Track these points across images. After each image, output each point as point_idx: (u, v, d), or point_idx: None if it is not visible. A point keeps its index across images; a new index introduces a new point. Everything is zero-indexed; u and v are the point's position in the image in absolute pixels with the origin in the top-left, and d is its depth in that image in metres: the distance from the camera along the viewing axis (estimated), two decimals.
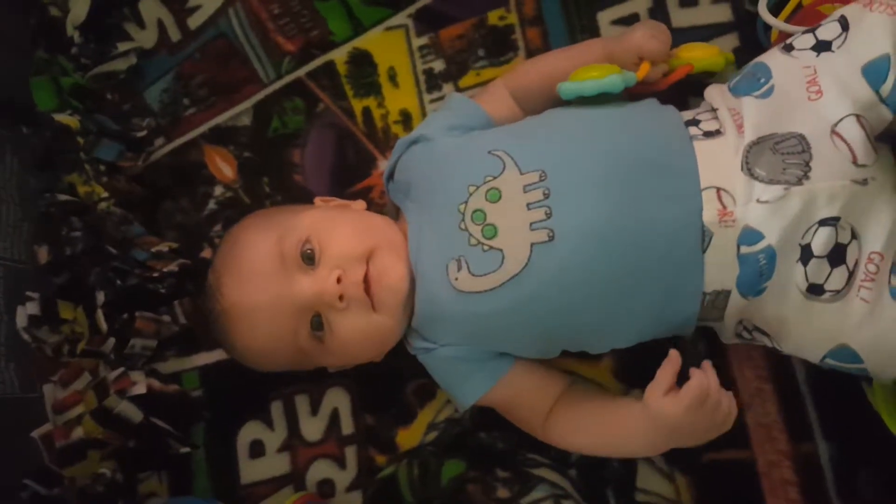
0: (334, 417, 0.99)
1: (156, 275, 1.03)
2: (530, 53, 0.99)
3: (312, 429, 1.00)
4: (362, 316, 0.81)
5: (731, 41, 0.93)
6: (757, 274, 0.71)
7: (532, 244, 0.75)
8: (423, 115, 1.02)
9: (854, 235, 0.69)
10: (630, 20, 0.96)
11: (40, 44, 1.15)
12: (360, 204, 0.94)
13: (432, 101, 1.02)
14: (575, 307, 0.76)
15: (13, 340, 1.04)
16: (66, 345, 1.04)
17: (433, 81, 1.03)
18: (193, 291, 1.05)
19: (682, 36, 0.91)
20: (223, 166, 1.09)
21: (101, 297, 1.03)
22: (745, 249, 0.71)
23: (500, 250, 0.76)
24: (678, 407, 0.72)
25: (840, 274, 0.69)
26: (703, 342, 0.87)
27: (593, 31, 0.97)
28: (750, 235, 0.71)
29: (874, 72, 0.69)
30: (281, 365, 0.89)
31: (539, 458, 0.92)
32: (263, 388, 1.01)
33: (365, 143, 1.04)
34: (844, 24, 0.73)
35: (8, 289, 1.05)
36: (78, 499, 0.99)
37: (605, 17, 0.97)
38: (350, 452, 0.98)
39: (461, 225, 0.78)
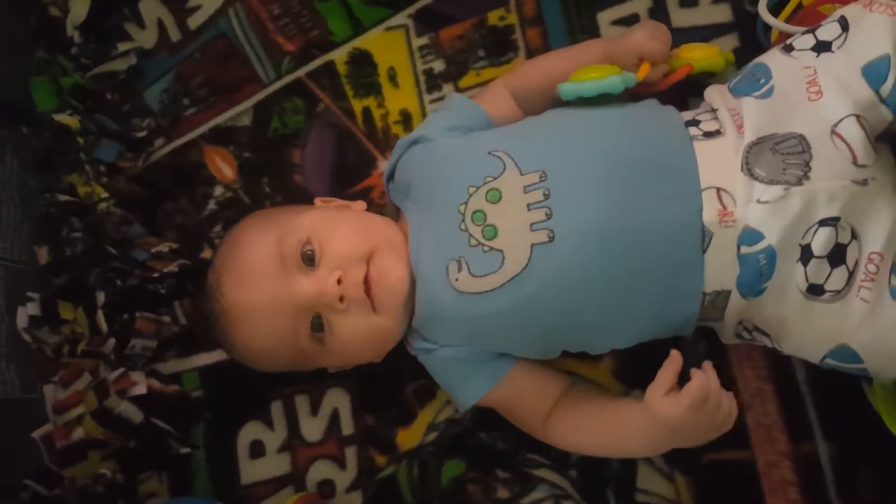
0: (334, 418, 0.99)
1: (156, 275, 1.04)
2: (530, 54, 0.99)
3: (312, 429, 1.00)
4: (363, 317, 0.81)
5: (731, 41, 0.93)
6: (757, 274, 0.71)
7: (532, 245, 0.75)
8: (423, 115, 1.02)
9: (854, 235, 0.69)
10: (630, 20, 0.96)
11: (40, 44, 1.15)
12: (361, 204, 0.94)
13: (432, 101, 1.02)
14: (575, 307, 0.76)
15: (14, 341, 1.04)
16: (66, 345, 1.04)
17: (433, 82, 1.03)
18: (193, 292, 1.06)
19: (682, 36, 0.91)
20: (223, 166, 1.09)
21: (101, 297, 1.03)
22: (745, 249, 0.71)
23: (501, 251, 0.76)
24: (679, 407, 0.72)
25: (840, 274, 0.69)
26: (703, 342, 0.87)
27: (593, 32, 0.97)
28: (750, 235, 0.70)
29: (874, 72, 0.69)
30: (281, 365, 0.89)
31: (539, 458, 0.92)
32: (263, 389, 1.01)
33: (365, 144, 1.04)
34: (844, 24, 0.73)
35: (8, 289, 1.05)
36: (78, 499, 0.99)
37: (605, 18, 0.97)
38: (350, 453, 0.98)
39: (461, 226, 0.78)
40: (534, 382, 0.85)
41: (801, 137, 0.70)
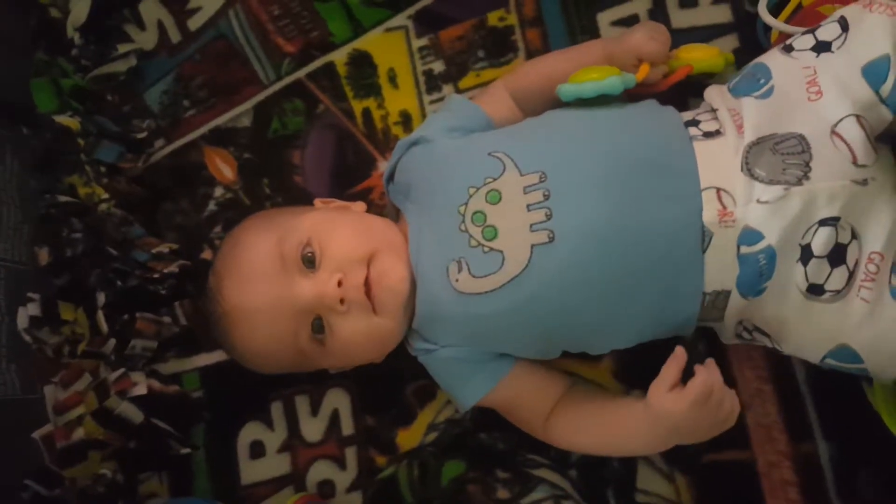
0: (334, 418, 0.99)
1: (156, 276, 1.04)
2: (530, 54, 0.99)
3: (313, 429, 1.00)
4: (363, 319, 0.81)
5: (730, 42, 0.93)
6: (757, 274, 0.71)
7: (532, 245, 0.75)
8: (423, 116, 1.02)
9: (854, 235, 0.69)
10: (630, 21, 0.96)
11: (40, 45, 1.15)
12: (360, 205, 0.94)
13: (432, 102, 1.02)
14: (575, 308, 0.76)
15: (14, 341, 1.04)
16: (66, 346, 1.04)
17: (433, 82, 1.03)
18: (194, 293, 1.06)
19: (681, 37, 0.91)
20: (223, 167, 1.09)
21: (101, 298, 1.03)
22: (745, 249, 0.71)
23: (501, 252, 0.76)
24: (682, 403, 0.72)
25: (840, 274, 0.69)
26: (703, 342, 0.87)
27: (593, 33, 0.97)
28: (750, 235, 0.71)
29: (874, 72, 0.69)
30: (282, 367, 0.89)
31: (539, 458, 0.92)
32: (264, 389, 1.01)
33: (365, 145, 1.04)
34: (844, 24, 0.73)
35: (9, 290, 1.05)
36: (78, 499, 0.99)
37: (604, 18, 0.97)
38: (350, 453, 0.98)
39: (461, 226, 0.78)
40: (534, 383, 0.86)
41: (801, 137, 0.71)
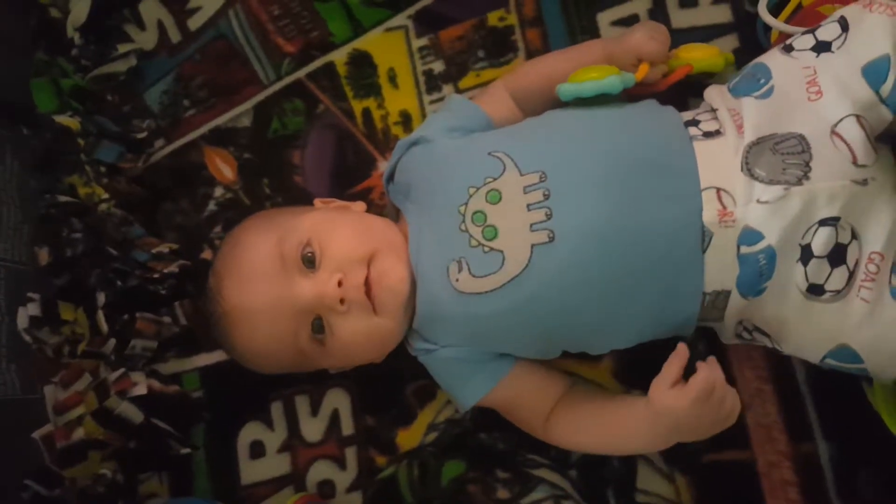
0: (334, 418, 0.99)
1: (156, 276, 1.04)
2: (530, 54, 0.99)
3: (312, 429, 1.00)
4: (363, 319, 0.81)
5: (730, 42, 0.93)
6: (757, 274, 0.71)
7: (532, 245, 0.75)
8: (423, 116, 1.02)
9: (854, 235, 0.69)
10: (630, 21, 0.96)
11: (40, 45, 1.15)
12: (360, 205, 0.94)
13: (432, 102, 1.02)
14: (575, 308, 0.76)
15: (14, 341, 1.04)
16: (66, 346, 1.04)
17: (433, 82, 1.03)
18: (194, 293, 1.06)
19: (682, 37, 0.91)
20: (223, 167, 1.09)
21: (101, 298, 1.03)
22: (745, 249, 0.71)
23: (501, 251, 0.76)
24: (685, 399, 0.72)
25: (840, 274, 0.69)
26: (703, 342, 0.87)
27: (593, 33, 0.97)
28: (750, 235, 0.71)
29: (874, 72, 0.69)
30: (282, 367, 0.89)
31: (539, 458, 0.92)
32: (264, 389, 1.01)
33: (365, 145, 1.04)
34: (844, 24, 0.73)
35: (9, 290, 1.05)
36: (78, 499, 0.99)
37: (604, 18, 0.97)
38: (350, 453, 0.98)
39: (461, 226, 0.78)
40: (534, 383, 0.86)
41: (801, 137, 0.71)
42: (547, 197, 0.76)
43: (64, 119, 1.09)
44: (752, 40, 0.91)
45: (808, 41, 0.74)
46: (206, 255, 1.07)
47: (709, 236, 0.72)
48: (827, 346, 0.73)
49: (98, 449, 0.99)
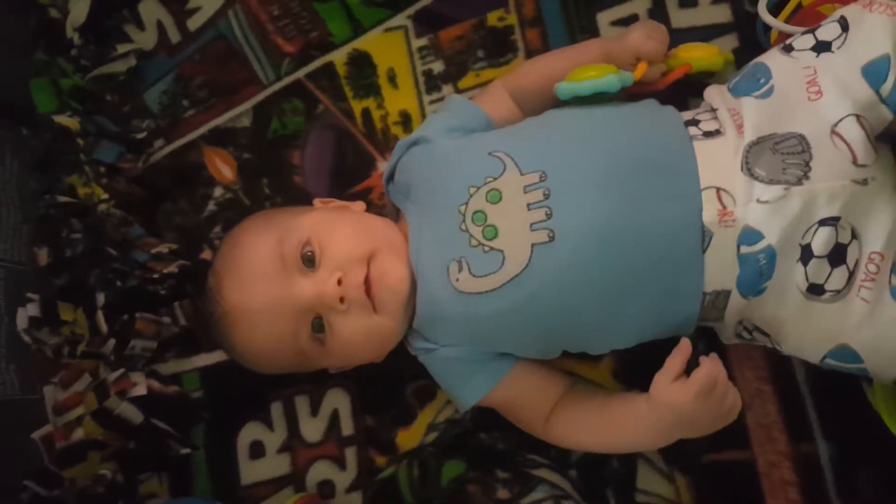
0: (334, 418, 0.99)
1: (156, 276, 1.04)
2: (530, 54, 0.99)
3: (312, 430, 1.00)
4: (363, 317, 0.81)
5: (730, 42, 0.93)
6: (757, 274, 0.71)
7: (533, 245, 0.75)
8: (423, 116, 1.02)
9: (854, 235, 0.69)
10: (629, 21, 0.96)
11: (40, 45, 1.15)
12: (360, 205, 0.94)
13: (432, 102, 1.02)
14: (575, 307, 0.76)
15: (14, 342, 1.04)
16: (66, 346, 1.04)
17: (433, 82, 1.03)
18: (193, 293, 1.06)
19: (681, 37, 0.91)
20: (223, 168, 1.09)
21: (101, 298, 1.03)
22: (745, 249, 0.71)
23: (501, 251, 0.76)
24: (687, 394, 0.72)
25: (840, 274, 0.69)
26: (703, 342, 0.87)
27: (593, 32, 0.97)
28: (750, 235, 0.71)
29: (874, 72, 0.69)
30: (282, 367, 0.89)
31: (539, 458, 0.92)
32: (263, 389, 1.01)
33: (364, 145, 1.04)
34: (844, 24, 0.73)
35: (8, 290, 1.05)
36: (78, 500, 0.99)
37: (604, 18, 0.97)
38: (350, 453, 0.98)
39: (462, 226, 0.78)
40: (534, 382, 0.86)
41: (801, 137, 0.70)
42: (547, 196, 0.76)
43: (63, 119, 1.09)
44: (751, 40, 0.91)
45: (808, 41, 0.74)
46: (206, 255, 1.07)
47: (709, 236, 0.72)
48: (827, 346, 0.73)
49: (98, 449, 0.99)
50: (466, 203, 0.79)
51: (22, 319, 1.03)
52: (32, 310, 1.03)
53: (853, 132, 0.68)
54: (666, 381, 0.74)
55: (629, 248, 0.73)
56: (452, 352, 0.83)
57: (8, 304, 1.04)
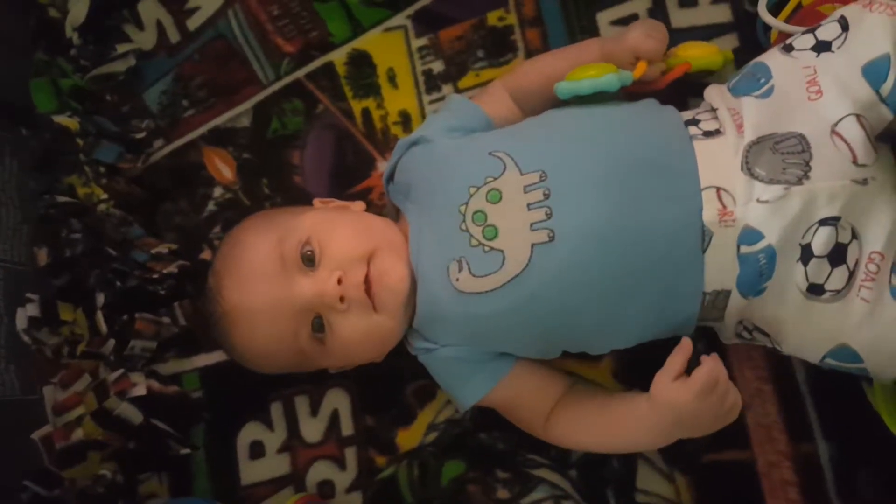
0: (334, 418, 0.99)
1: (155, 276, 1.03)
2: (530, 54, 0.99)
3: (312, 430, 1.00)
4: (363, 317, 0.81)
5: (730, 41, 0.93)
6: (757, 274, 0.71)
7: (533, 245, 0.75)
8: (423, 116, 1.02)
9: (854, 235, 0.69)
10: (629, 20, 0.95)
11: (39, 45, 1.15)
12: (360, 205, 0.94)
13: (432, 102, 1.02)
14: (575, 307, 0.76)
15: (13, 342, 1.03)
16: (66, 346, 1.04)
17: (432, 82, 1.03)
18: (193, 293, 1.05)
19: (681, 36, 0.91)
20: (222, 168, 1.09)
21: (100, 298, 1.02)
22: (745, 249, 0.71)
23: (501, 251, 0.76)
24: (688, 392, 0.72)
25: (840, 274, 0.69)
26: (702, 342, 0.87)
27: (593, 32, 0.97)
28: (750, 235, 0.71)
29: (874, 72, 0.69)
30: (282, 367, 0.89)
31: (539, 458, 0.92)
32: (263, 390, 1.01)
33: (364, 145, 1.04)
34: (844, 24, 0.73)
35: (8, 290, 1.05)
36: (78, 500, 0.99)
37: (604, 18, 0.97)
38: (350, 453, 0.98)
39: (462, 226, 0.78)
40: (534, 382, 0.85)
41: (801, 137, 0.70)
42: (547, 196, 0.75)
43: (63, 119, 1.09)
44: (751, 40, 0.91)
45: (808, 41, 0.74)
46: (206, 255, 1.07)
47: (709, 236, 0.72)
48: (827, 346, 0.73)
49: (97, 449, 0.99)
50: (466, 203, 0.79)
51: (21, 320, 1.03)
52: (32, 310, 1.03)
53: (853, 132, 0.68)
54: (667, 381, 0.74)
55: (629, 248, 0.73)
56: (452, 352, 0.83)
57: (7, 305, 1.04)
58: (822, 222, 0.69)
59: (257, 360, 0.87)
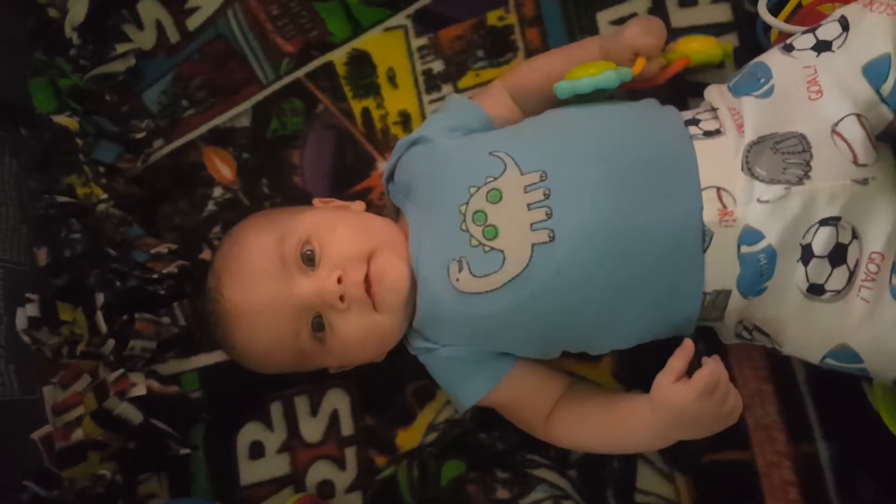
0: (334, 418, 0.99)
1: (155, 276, 1.03)
2: (530, 54, 0.99)
3: (312, 430, 1.00)
4: (363, 316, 0.81)
5: (730, 41, 0.93)
6: (757, 274, 0.71)
7: (533, 245, 0.75)
8: (423, 116, 1.02)
9: (855, 235, 0.69)
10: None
11: (39, 45, 1.15)
12: (360, 205, 0.94)
13: (431, 101, 1.02)
14: (575, 307, 0.76)
15: (13, 342, 1.03)
16: (65, 346, 1.04)
17: (432, 82, 1.03)
18: (193, 293, 1.05)
19: (681, 36, 0.91)
20: (222, 168, 1.09)
21: (100, 298, 1.02)
22: (745, 249, 0.71)
23: (501, 251, 0.76)
24: (690, 393, 0.72)
25: (841, 274, 0.69)
26: (703, 342, 0.87)
27: (592, 32, 0.97)
28: (750, 235, 0.70)
29: (874, 71, 0.69)
30: (282, 366, 0.89)
31: (539, 458, 0.92)
32: (263, 390, 1.01)
33: (364, 145, 1.04)
34: (844, 24, 0.73)
35: (8, 290, 1.05)
36: (77, 500, 0.99)
37: (604, 18, 0.97)
38: (350, 453, 0.98)
39: (462, 226, 0.78)
40: (535, 382, 0.85)
41: (802, 137, 0.70)
42: (547, 196, 0.75)
43: (62, 119, 1.09)
44: (751, 39, 0.91)
45: (809, 40, 0.74)
46: (205, 255, 1.07)
47: (709, 236, 0.72)
48: (827, 346, 0.73)
49: (97, 450, 0.99)
50: (467, 203, 0.79)
51: (21, 319, 1.03)
52: (32, 310, 1.03)
53: (854, 132, 0.68)
54: (668, 382, 0.74)
55: (629, 248, 0.73)
56: (452, 352, 0.83)
57: (7, 305, 1.04)
58: (823, 222, 0.69)
59: (257, 360, 0.87)
